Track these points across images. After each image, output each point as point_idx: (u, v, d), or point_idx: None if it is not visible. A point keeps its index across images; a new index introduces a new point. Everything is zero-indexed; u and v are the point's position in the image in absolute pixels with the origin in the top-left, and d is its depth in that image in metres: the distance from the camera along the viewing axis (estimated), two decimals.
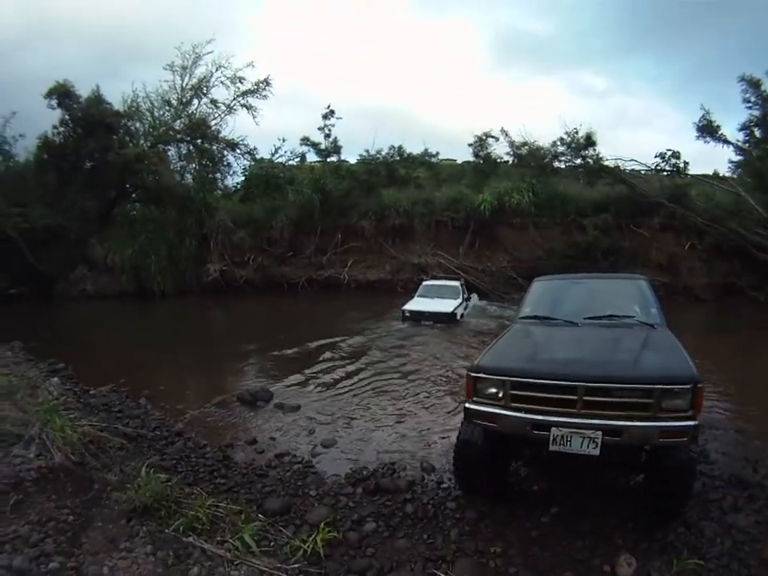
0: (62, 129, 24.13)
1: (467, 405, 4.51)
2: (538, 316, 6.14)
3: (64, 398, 7.11)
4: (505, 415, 4.23)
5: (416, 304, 16.74)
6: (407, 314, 16.16)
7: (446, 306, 16.25)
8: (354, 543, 4.25)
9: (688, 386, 3.85)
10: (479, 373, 4.44)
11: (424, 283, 18.91)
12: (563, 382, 4.08)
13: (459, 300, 16.87)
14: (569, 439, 3.98)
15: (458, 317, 16.16)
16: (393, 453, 6.40)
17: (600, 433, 3.90)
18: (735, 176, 24.90)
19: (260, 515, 4.49)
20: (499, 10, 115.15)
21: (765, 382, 9.04)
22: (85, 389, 8.55)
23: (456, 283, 18.44)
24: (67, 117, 23.88)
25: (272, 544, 4.07)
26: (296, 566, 3.78)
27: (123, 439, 6.03)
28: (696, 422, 3.85)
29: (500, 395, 4.30)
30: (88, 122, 23.46)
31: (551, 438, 4.02)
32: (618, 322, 5.67)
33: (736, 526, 4.38)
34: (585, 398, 3.97)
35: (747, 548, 4.09)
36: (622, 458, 4.41)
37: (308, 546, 3.97)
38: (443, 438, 6.85)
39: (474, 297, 19.78)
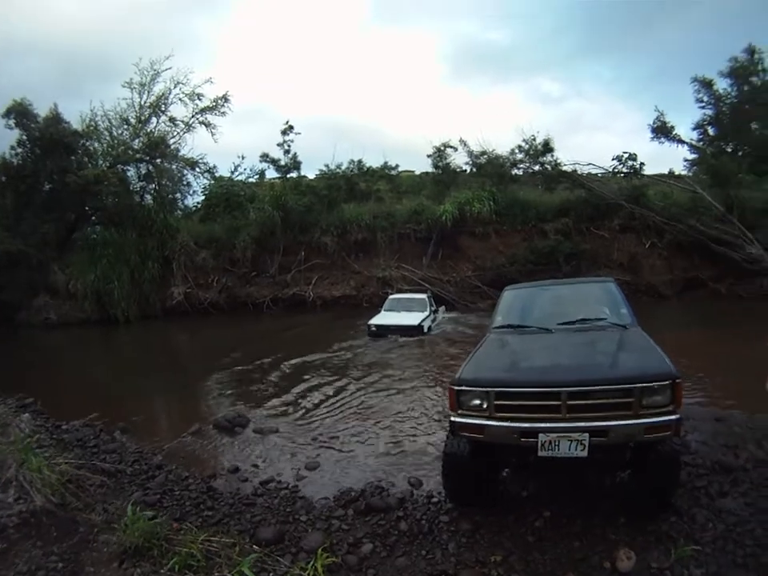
0: (19, 149, 23.92)
1: (452, 418, 4.53)
2: (512, 325, 6.18)
3: (37, 435, 6.91)
4: (491, 425, 4.27)
5: (382, 318, 16.71)
6: (373, 329, 16.04)
7: (412, 318, 16.21)
8: (354, 566, 4.22)
9: (667, 382, 3.98)
10: (462, 386, 4.47)
11: (390, 297, 18.93)
12: (546, 389, 4.16)
13: (426, 312, 16.83)
14: (557, 444, 4.05)
15: (426, 329, 16.08)
16: (378, 470, 6.40)
17: (587, 435, 3.98)
18: (691, 174, 25.58)
19: (254, 546, 4.39)
20: (457, 20, 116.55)
21: (737, 371, 9.27)
22: (56, 424, 8.30)
23: (422, 296, 18.40)
24: (25, 137, 23.65)
25: (271, 575, 4.01)
26: None
27: (102, 476, 5.87)
28: (678, 416, 3.97)
29: (484, 406, 4.32)
30: (46, 141, 23.18)
31: (539, 444, 4.08)
32: (590, 325, 5.75)
33: (726, 509, 4.53)
34: (569, 402, 4.05)
35: (739, 529, 4.21)
36: (608, 456, 4.45)
37: (308, 574, 3.92)
38: (426, 451, 6.89)
39: (442, 310, 19.63)
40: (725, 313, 17.01)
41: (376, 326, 16.11)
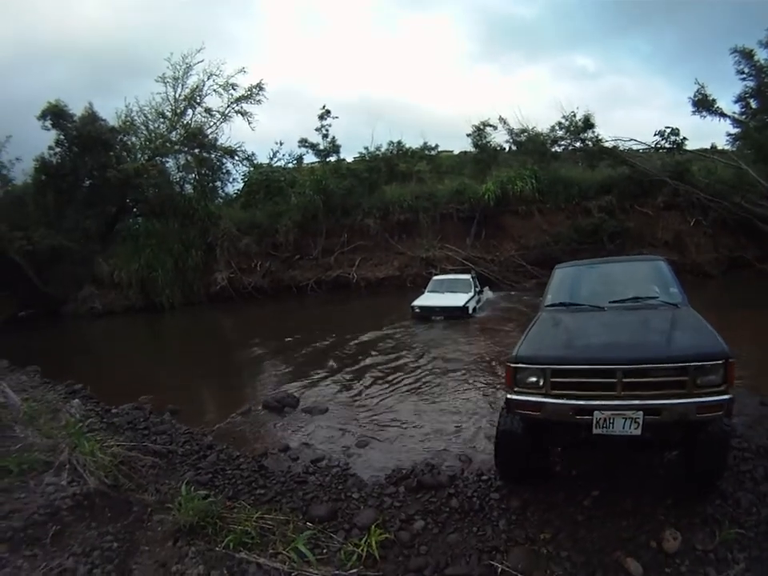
0: (58, 149, 24.28)
1: (509, 395, 4.50)
2: (564, 303, 6.15)
3: (88, 419, 6.96)
4: (548, 403, 4.26)
5: (426, 299, 16.42)
6: (417, 310, 15.77)
7: (456, 300, 15.83)
8: (406, 542, 4.20)
9: (720, 362, 3.94)
10: (519, 363, 4.45)
11: (434, 278, 18.53)
12: (603, 366, 4.13)
13: (470, 293, 16.43)
14: (611, 421, 4.04)
15: (470, 311, 15.73)
16: (428, 449, 6.38)
17: (641, 413, 3.97)
18: (734, 149, 24.82)
19: (308, 523, 4.40)
20: None
21: None
22: (106, 408, 8.39)
23: (467, 276, 17.88)
24: (62, 137, 24.01)
25: (325, 551, 3.99)
26: (353, 570, 3.72)
27: (154, 457, 5.90)
28: (730, 396, 3.93)
29: (541, 383, 4.31)
30: (84, 140, 23.53)
31: (594, 422, 4.08)
32: (642, 304, 5.71)
33: None
34: (624, 380, 4.02)
35: None
36: (660, 435, 4.37)
37: (362, 550, 3.92)
38: (476, 430, 6.86)
39: (487, 290, 19.26)
40: None
41: (420, 307, 15.83)
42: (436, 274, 19.79)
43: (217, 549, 3.83)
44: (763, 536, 3.92)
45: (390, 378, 9.81)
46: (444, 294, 16.53)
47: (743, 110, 23.35)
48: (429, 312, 15.64)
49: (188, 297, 24.06)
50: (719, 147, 26.71)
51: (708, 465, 4.33)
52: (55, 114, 23.63)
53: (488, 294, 19.10)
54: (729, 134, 24.79)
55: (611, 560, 3.80)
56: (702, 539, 3.91)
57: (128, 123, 26.26)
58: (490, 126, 27.87)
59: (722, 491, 4.47)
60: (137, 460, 5.52)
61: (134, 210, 28.03)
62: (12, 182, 26.69)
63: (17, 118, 39.33)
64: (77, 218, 23.78)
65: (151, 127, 26.88)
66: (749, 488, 4.58)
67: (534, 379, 4.36)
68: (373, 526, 4.20)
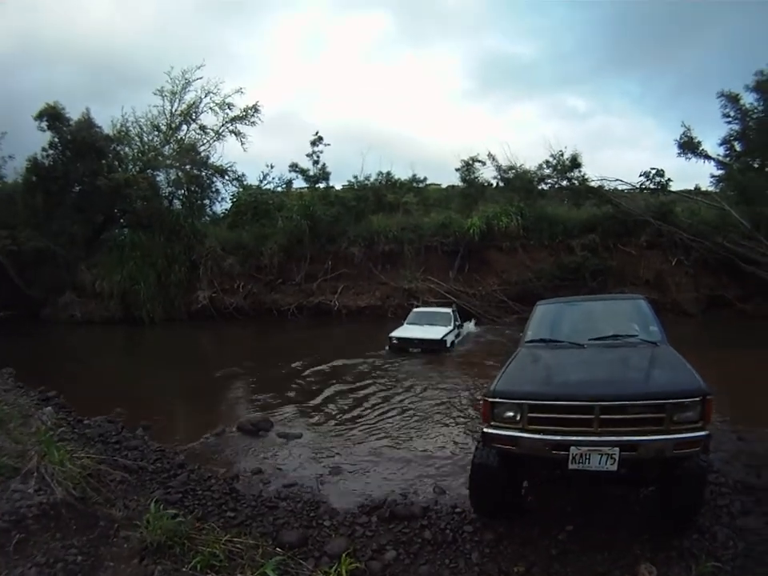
0: (51, 151, 24.37)
1: (485, 429, 4.56)
2: (544, 339, 6.22)
3: (60, 429, 6.89)
4: (524, 437, 4.31)
5: (404, 331, 16.16)
6: (395, 341, 15.59)
7: (435, 333, 15.68)
8: (377, 572, 4.21)
9: (698, 399, 4.03)
10: (496, 398, 4.50)
11: (414, 310, 18.47)
12: (580, 403, 4.18)
13: (450, 327, 16.29)
14: (587, 457, 4.07)
15: (448, 344, 15.53)
16: (402, 478, 6.39)
17: (617, 449, 4.01)
18: (718, 190, 25.31)
19: (278, 548, 4.36)
20: (483, 36, 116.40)
21: (761, 391, 9.35)
22: (78, 418, 8.32)
23: (447, 310, 17.82)
24: (57, 139, 24.10)
25: None
26: None
27: (124, 472, 5.84)
28: (707, 432, 4.02)
29: (518, 418, 4.37)
30: (77, 145, 23.59)
31: (570, 457, 4.11)
32: (622, 341, 5.79)
33: (747, 528, 4.54)
34: (601, 416, 4.08)
35: (760, 548, 4.23)
36: (636, 471, 4.42)
37: None
38: (449, 461, 6.91)
39: (469, 324, 19.34)
40: (750, 333, 16.75)
41: (398, 338, 15.63)
42: (417, 306, 19.85)
43: (183, 569, 3.77)
44: (739, 570, 3.98)
45: (366, 405, 9.84)
46: (423, 327, 16.32)
47: (728, 152, 23.93)
48: (407, 344, 15.42)
49: (169, 312, 23.95)
50: (703, 188, 27.28)
51: (685, 500, 4.37)
52: (52, 116, 23.75)
53: (470, 327, 19.21)
54: (713, 176, 25.40)
55: None
56: (678, 573, 3.98)
57: (123, 133, 26.37)
58: (479, 161, 28.08)
59: (698, 526, 4.55)
60: (106, 474, 5.46)
61: (122, 220, 27.97)
62: (3, 180, 26.67)
63: (13, 115, 39.38)
64: (64, 222, 23.74)
65: (145, 139, 27.07)
66: (725, 522, 4.68)
67: (510, 414, 4.41)
68: (343, 555, 4.18)
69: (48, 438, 5.46)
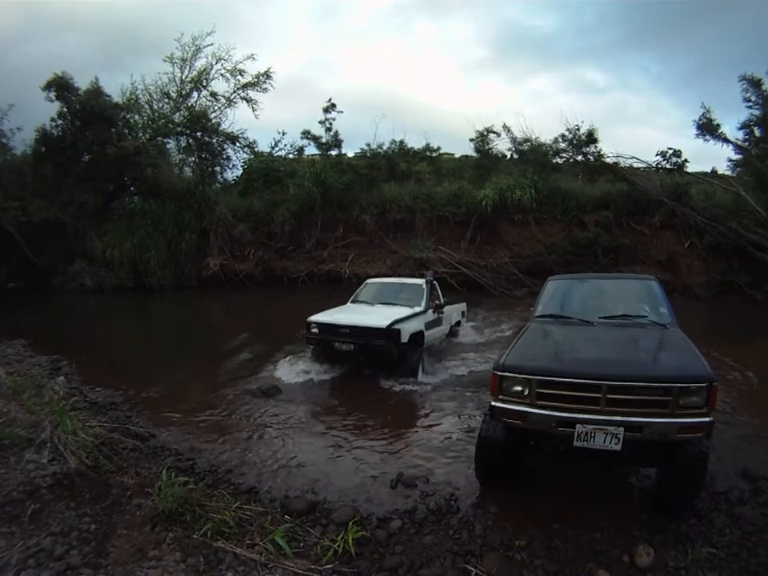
0: (60, 121, 24.02)
1: (493, 402, 4.59)
2: (554, 315, 6.30)
3: (73, 398, 6.95)
4: (531, 413, 4.37)
5: (333, 313, 10.20)
6: (314, 329, 9.64)
7: (380, 317, 9.35)
8: (382, 541, 4.24)
9: (704, 385, 4.08)
10: (505, 371, 4.53)
11: (368, 281, 12.30)
12: (589, 381, 4.23)
13: (417, 309, 10.13)
14: (593, 435, 4.16)
15: (404, 338, 9.02)
16: (408, 451, 6.36)
17: (622, 429, 4.10)
18: (734, 175, 24.96)
19: (286, 516, 4.43)
20: (503, 6, 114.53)
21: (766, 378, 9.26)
22: (91, 387, 8.46)
23: (419, 281, 11.41)
24: (65, 109, 23.72)
25: (302, 545, 4.04)
26: (329, 566, 3.75)
27: (135, 440, 5.94)
28: (711, 418, 4.08)
29: (526, 393, 4.42)
30: (86, 114, 23.27)
31: (575, 435, 4.20)
32: (631, 321, 5.89)
33: (743, 517, 4.61)
34: (608, 395, 4.15)
35: (755, 538, 4.28)
36: (639, 453, 4.44)
37: (338, 546, 3.96)
38: (458, 431, 6.89)
39: (459, 307, 13.19)
40: (758, 320, 16.59)
41: (319, 324, 9.65)
42: (372, 277, 13.99)
43: (194, 536, 3.86)
44: (734, 557, 4.02)
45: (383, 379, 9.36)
46: (373, 307, 10.56)
47: (747, 137, 23.39)
48: (332, 335, 9.42)
49: (179, 280, 23.97)
50: (719, 172, 26.57)
51: (685, 484, 4.40)
52: (60, 86, 23.38)
53: (458, 316, 12.89)
54: (730, 160, 24.89)
55: (583, 571, 3.86)
56: (674, 556, 4.00)
57: (132, 101, 25.96)
58: (494, 132, 27.62)
59: (696, 511, 4.59)
60: (118, 442, 5.56)
61: (131, 188, 27.82)
62: (11, 152, 26.43)
63: (21, 86, 39.22)
64: (73, 191, 23.57)
65: (155, 107, 26.61)
66: (723, 509, 4.71)
67: (519, 388, 4.44)
68: (350, 523, 4.23)
69: (61, 407, 5.55)
